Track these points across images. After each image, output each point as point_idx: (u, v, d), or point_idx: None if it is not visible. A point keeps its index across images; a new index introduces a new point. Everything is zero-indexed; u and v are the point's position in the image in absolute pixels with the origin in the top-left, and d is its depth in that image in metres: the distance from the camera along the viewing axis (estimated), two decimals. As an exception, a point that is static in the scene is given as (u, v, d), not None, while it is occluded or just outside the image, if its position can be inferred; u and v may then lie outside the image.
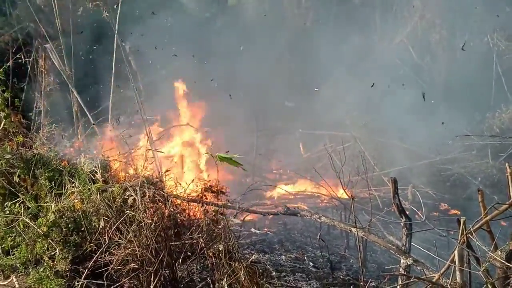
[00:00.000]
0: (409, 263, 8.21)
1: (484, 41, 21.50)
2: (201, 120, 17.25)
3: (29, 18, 17.02)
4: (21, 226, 9.90)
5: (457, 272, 5.98)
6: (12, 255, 10.02)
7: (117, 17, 14.92)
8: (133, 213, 8.67)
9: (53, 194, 10.42)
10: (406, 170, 17.70)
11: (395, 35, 22.77)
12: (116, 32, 14.69)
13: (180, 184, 10.91)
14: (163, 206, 9.14)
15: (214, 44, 18.88)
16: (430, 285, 6.44)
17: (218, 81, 18.21)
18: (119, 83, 16.00)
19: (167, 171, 10.89)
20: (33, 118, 16.62)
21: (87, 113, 15.31)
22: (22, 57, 17.11)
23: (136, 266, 8.15)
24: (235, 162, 7.00)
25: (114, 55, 15.02)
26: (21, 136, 12.41)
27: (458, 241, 5.98)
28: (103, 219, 9.16)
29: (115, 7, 15.38)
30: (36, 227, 9.60)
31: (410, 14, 22.53)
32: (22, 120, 14.73)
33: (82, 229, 9.51)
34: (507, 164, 6.09)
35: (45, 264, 9.23)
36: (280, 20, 22.58)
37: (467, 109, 19.84)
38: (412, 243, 8.68)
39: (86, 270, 8.66)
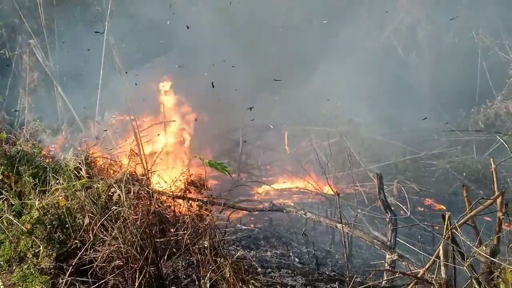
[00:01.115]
0: (394, 258, 8.24)
1: (469, 37, 21.60)
2: (186, 116, 17.21)
3: (13, 14, 16.90)
4: (5, 223, 9.81)
5: (442, 267, 5.99)
6: (-4, 252, 9.93)
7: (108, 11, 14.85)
8: (118, 209, 8.62)
9: (37, 191, 10.33)
10: (391, 165, 17.78)
11: (381, 31, 22.84)
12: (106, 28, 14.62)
13: (165, 181, 10.87)
14: (148, 203, 9.10)
15: (199, 38, 18.82)
16: (415, 280, 6.46)
17: (203, 76, 18.16)
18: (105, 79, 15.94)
19: (151, 166, 10.84)
20: (17, 114, 16.49)
21: (72, 109, 15.23)
22: (6, 53, 16.98)
23: (121, 263, 8.10)
24: (225, 169, 7.01)
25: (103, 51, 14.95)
26: (4, 132, 12.30)
27: (443, 236, 5.99)
28: (88, 215, 9.10)
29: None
30: (20, 225, 9.51)
31: (396, 10, 22.59)
32: (6, 116, 14.66)
33: (67, 226, 9.43)
34: (492, 159, 6.11)
35: (29, 262, 9.14)
36: (267, 15, 22.54)
37: (452, 104, 19.96)
38: (397, 239, 8.70)
39: (71, 268, 8.60)
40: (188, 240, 8.44)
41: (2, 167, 10.91)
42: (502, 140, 6.45)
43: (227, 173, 7.09)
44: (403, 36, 22.89)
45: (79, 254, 8.61)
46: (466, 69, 20.63)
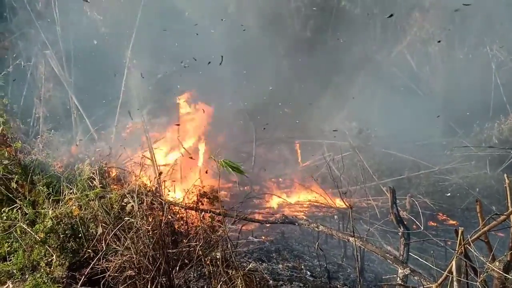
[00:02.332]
0: (406, 273, 8.20)
1: (484, 52, 21.55)
2: (200, 128, 17.27)
3: (30, 24, 17.04)
4: (18, 232, 9.88)
5: (455, 283, 5.96)
6: (9, 261, 9.98)
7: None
8: (131, 220, 8.66)
9: (50, 200, 10.39)
10: (404, 180, 17.70)
11: (395, 45, 22.85)
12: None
13: (178, 194, 10.91)
14: (160, 213, 9.13)
15: (213, 52, 18.93)
16: (428, 295, 6.43)
17: (217, 90, 18.28)
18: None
19: (161, 175, 10.88)
20: (31, 123, 16.58)
21: (86, 119, 15.32)
22: (22, 63, 17.09)
23: (133, 274, 8.13)
24: (239, 169, 7.01)
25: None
26: (19, 142, 12.36)
27: (456, 251, 5.97)
28: (101, 225, 9.15)
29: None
30: (33, 233, 9.58)
31: (409, 25, 22.59)
32: (20, 125, 14.75)
33: (80, 235, 9.48)
34: (505, 175, 6.08)
35: (42, 271, 9.20)
36: (280, 29, 22.60)
37: (466, 119, 19.87)
38: (409, 253, 8.67)
39: (83, 277, 8.65)
40: (200, 251, 8.46)
41: (17, 176, 10.99)
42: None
43: (241, 173, 7.08)
44: (417, 50, 22.87)
45: (91, 264, 8.66)
46: (480, 84, 20.57)
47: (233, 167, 7.00)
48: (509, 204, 5.94)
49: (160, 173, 10.84)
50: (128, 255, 8.17)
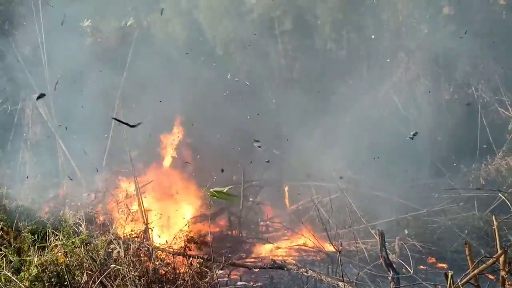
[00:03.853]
0: (397, 318, 8.12)
1: (469, 93, 21.73)
2: (187, 171, 17.24)
3: (17, 68, 17.06)
4: (3, 280, 9.70)
5: (446, 328, 5.90)
6: (-7, 310, 9.80)
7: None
8: (117, 267, 8.54)
9: (36, 247, 10.25)
10: (393, 222, 17.64)
11: (381, 86, 23.00)
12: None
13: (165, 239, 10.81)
14: (147, 260, 9.02)
15: (202, 93, 19.04)
16: None
17: (203, 131, 18.29)
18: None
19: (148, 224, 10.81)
20: (17, 168, 16.47)
21: (73, 163, 15.24)
22: (9, 107, 17.06)
23: (120, 322, 7.99)
24: (229, 196, 6.99)
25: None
26: (4, 187, 12.27)
27: (446, 296, 5.92)
28: (87, 273, 9.01)
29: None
30: (18, 282, 9.41)
31: (395, 66, 22.80)
32: (6, 171, 14.66)
33: (65, 283, 9.33)
34: (493, 217, 6.08)
35: (27, 321, 9.03)
36: (266, 70, 22.76)
37: (453, 160, 19.95)
38: (400, 298, 8.59)
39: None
40: (188, 299, 8.34)
41: (2, 222, 10.86)
42: (504, 198, 6.44)
43: (233, 200, 7.06)
44: (403, 91, 23.01)
45: (77, 313, 8.51)
46: (466, 125, 20.70)
47: (223, 195, 6.99)
48: (498, 247, 5.92)
49: (147, 223, 10.78)
50: (115, 304, 8.05)
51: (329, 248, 14.08)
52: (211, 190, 7.02)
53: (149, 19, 20.89)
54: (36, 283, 9.35)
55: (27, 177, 15.28)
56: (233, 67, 21.52)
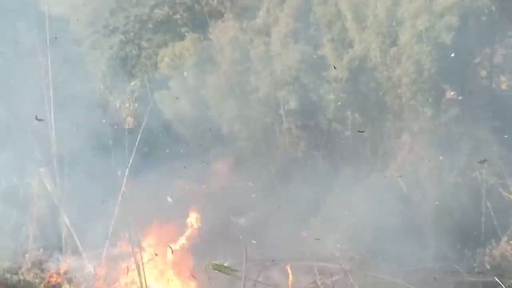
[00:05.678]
0: None
1: (473, 176, 21.76)
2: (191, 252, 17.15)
3: (24, 140, 17.21)
4: None
5: None
6: None
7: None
8: None
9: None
10: (398, 304, 17.43)
11: (385, 167, 23.07)
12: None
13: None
14: None
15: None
16: None
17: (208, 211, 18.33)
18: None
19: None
20: (20, 241, 16.41)
21: (76, 238, 15.21)
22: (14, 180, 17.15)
23: None
24: (229, 269, 7.04)
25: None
26: (6, 261, 12.25)
27: None
28: None
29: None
30: None
31: (399, 148, 22.94)
32: (9, 244, 14.62)
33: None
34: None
35: None
36: (271, 149, 22.94)
37: (457, 244, 19.84)
38: None
39: None
40: None
41: (3, 297, 10.79)
42: (499, 282, 6.43)
43: (234, 276, 7.08)
44: (407, 173, 23.03)
45: None
46: (471, 208, 20.64)
47: (224, 268, 7.04)
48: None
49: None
50: None
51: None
52: (212, 263, 7.07)
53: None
54: None
55: (28, 251, 15.25)
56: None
